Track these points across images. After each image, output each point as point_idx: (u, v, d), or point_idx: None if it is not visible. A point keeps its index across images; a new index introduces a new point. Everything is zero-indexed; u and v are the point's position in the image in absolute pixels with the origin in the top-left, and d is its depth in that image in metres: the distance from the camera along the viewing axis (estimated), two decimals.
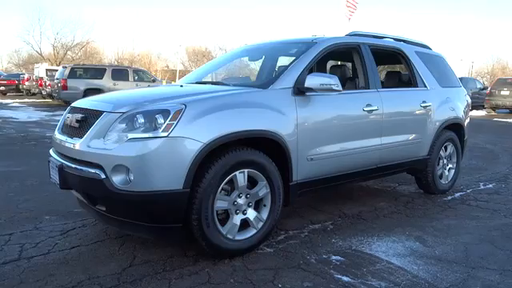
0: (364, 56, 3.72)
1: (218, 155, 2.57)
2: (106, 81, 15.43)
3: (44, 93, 18.87)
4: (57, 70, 18.06)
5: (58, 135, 3.04)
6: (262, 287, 2.36)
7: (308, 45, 3.39)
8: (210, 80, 3.83)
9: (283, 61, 3.56)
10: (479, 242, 3.17)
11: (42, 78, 19.39)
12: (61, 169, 2.72)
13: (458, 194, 4.62)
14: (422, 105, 4.12)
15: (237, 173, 2.67)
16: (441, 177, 4.56)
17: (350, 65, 4.52)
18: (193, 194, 2.48)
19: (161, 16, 74.84)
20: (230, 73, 4.19)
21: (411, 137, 4.05)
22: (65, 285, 2.35)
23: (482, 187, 5.00)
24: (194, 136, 2.46)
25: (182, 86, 3.35)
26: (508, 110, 17.76)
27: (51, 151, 3.15)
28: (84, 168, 2.54)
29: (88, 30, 63.29)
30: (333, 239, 3.12)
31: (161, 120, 2.44)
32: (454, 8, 74.55)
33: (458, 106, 4.67)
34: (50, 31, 50.98)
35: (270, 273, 2.54)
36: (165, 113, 2.46)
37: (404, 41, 4.46)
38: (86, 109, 2.81)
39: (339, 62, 4.77)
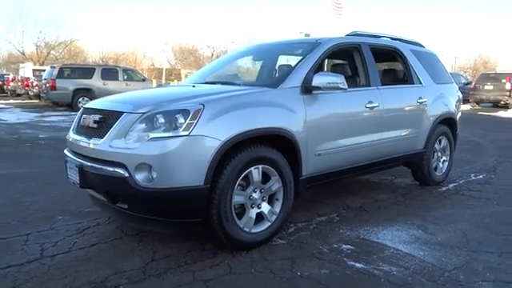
0: (364, 55, 3.88)
1: (235, 152, 2.69)
2: (96, 80, 15.32)
3: (31, 93, 18.63)
4: (44, 70, 17.85)
5: (73, 136, 3.12)
6: (282, 276, 2.50)
7: (313, 45, 3.54)
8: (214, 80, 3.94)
9: (290, 61, 3.70)
10: (476, 228, 3.37)
11: (28, 79, 19.13)
12: (81, 168, 2.81)
13: (451, 185, 4.84)
14: (419, 101, 4.32)
15: (252, 169, 2.80)
16: (435, 169, 4.77)
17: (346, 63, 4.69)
18: (213, 189, 2.61)
19: (146, 14, 74.33)
20: (234, 72, 4.30)
21: (409, 131, 4.24)
22: (93, 280, 2.45)
23: (473, 178, 5.23)
24: (213, 134, 2.59)
25: (194, 86, 3.46)
26: (491, 104, 18.27)
27: (66, 151, 3.24)
28: (106, 167, 2.64)
29: (72, 28, 62.60)
30: (341, 230, 3.29)
31: (181, 119, 2.55)
32: (438, 4, 75.82)
33: (450, 101, 4.89)
34: (32, 30, 50.23)
35: (288, 262, 2.68)
36: (185, 112, 2.58)
37: (399, 40, 4.64)
38: (104, 110, 2.90)
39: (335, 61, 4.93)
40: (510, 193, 4.48)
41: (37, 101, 18.69)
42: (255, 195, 2.87)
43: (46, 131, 9.66)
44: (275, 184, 2.96)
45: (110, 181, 2.64)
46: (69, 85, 14.88)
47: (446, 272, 2.55)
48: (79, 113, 3.31)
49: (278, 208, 3.01)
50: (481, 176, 5.34)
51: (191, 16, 76.77)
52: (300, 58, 3.43)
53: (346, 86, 3.19)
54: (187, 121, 2.55)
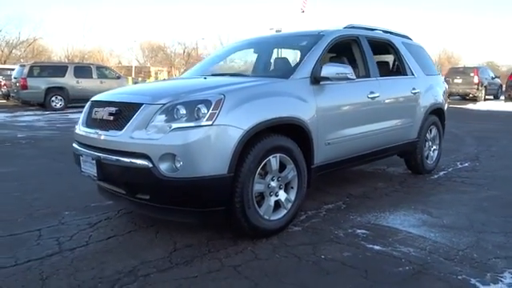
0: (363, 47, 4.01)
1: (255, 141, 2.74)
2: (69, 79, 14.90)
3: None
4: (10, 69, 17.19)
5: (84, 129, 3.09)
6: (307, 259, 2.58)
7: (316, 37, 3.63)
8: (221, 72, 3.96)
9: (293, 53, 3.77)
10: (476, 211, 3.55)
11: None
12: (98, 161, 2.79)
13: (442, 173, 5.05)
14: (412, 91, 4.49)
15: (270, 157, 2.86)
16: (427, 157, 4.97)
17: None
18: (236, 178, 2.64)
19: (113, 11, 72.56)
20: (238, 65, 4.33)
21: (404, 121, 4.41)
22: (121, 270, 2.45)
23: (460, 166, 5.48)
24: (236, 123, 2.63)
25: (205, 78, 3.48)
26: (460, 97, 19.03)
27: (76, 145, 3.19)
28: (127, 159, 2.63)
29: (35, 26, 60.13)
30: (351, 216, 3.39)
31: (204, 109, 2.58)
32: (401, 2, 77.93)
33: (439, 92, 5.10)
34: None
35: (309, 247, 2.76)
36: (206, 102, 2.60)
37: (390, 32, 4.80)
38: (120, 102, 2.88)
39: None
40: (497, 179, 4.72)
41: (4, 101, 17.98)
42: (273, 183, 2.93)
43: (23, 131, 9.35)
44: (290, 172, 3.03)
45: (132, 172, 2.64)
46: (41, 83, 14.41)
47: (459, 251, 2.69)
48: (87, 106, 3.26)
49: (292, 196, 3.08)
50: (466, 164, 5.60)
51: (159, 13, 75.67)
52: (305, 49, 3.51)
53: (354, 77, 3.30)
54: (210, 111, 2.57)
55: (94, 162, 2.81)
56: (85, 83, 15.16)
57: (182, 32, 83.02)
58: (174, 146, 2.51)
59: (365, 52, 4.00)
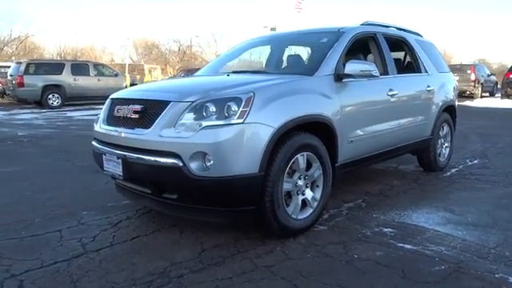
0: (381, 44, 3.98)
1: (284, 139, 2.70)
2: (66, 76, 14.71)
3: None
4: (7, 67, 16.94)
5: (106, 127, 3.02)
6: (340, 259, 2.55)
7: (337, 34, 3.59)
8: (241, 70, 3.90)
9: (310, 50, 3.73)
10: (497, 208, 3.55)
11: None
12: (124, 160, 2.73)
13: (454, 170, 5.05)
14: (427, 89, 4.48)
15: (298, 156, 2.82)
16: (439, 155, 4.97)
17: None
18: (266, 177, 2.60)
19: (105, 8, 71.90)
20: (251, 62, 4.28)
21: (420, 118, 4.39)
22: (153, 271, 2.40)
23: (470, 163, 5.49)
24: (266, 121, 2.58)
25: (228, 75, 3.43)
26: (457, 95, 19.08)
27: (96, 144, 3.13)
28: (156, 157, 2.57)
29: (27, 23, 59.25)
30: (373, 214, 3.37)
31: (234, 107, 2.53)
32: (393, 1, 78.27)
33: (450, 89, 5.10)
34: None
35: (339, 246, 2.73)
36: (237, 100, 2.55)
37: (403, 30, 4.78)
38: (146, 99, 2.82)
39: None
40: (509, 175, 4.72)
41: None
42: (300, 182, 2.89)
43: (23, 129, 9.22)
44: (316, 171, 3.00)
45: (161, 171, 2.58)
46: (37, 81, 14.21)
47: (491, 249, 2.68)
48: (107, 104, 3.20)
49: (318, 194, 3.04)
50: (476, 161, 5.61)
51: (152, 10, 75.15)
52: (326, 46, 3.47)
53: (378, 74, 3.27)
54: (240, 108, 2.52)
55: (120, 160, 2.75)
56: (82, 81, 15.00)
57: (176, 29, 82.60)
58: (205, 145, 2.46)
59: (382, 49, 3.97)
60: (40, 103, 14.54)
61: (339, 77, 3.25)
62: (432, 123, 4.63)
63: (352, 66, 3.22)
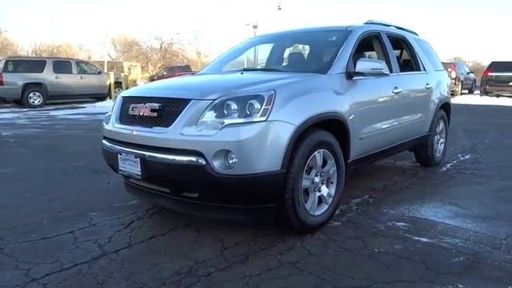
0: (385, 42, 4.05)
1: (304, 137, 2.72)
2: (48, 74, 14.32)
3: None
4: None
5: (120, 126, 2.98)
6: (361, 253, 2.59)
7: (345, 33, 3.63)
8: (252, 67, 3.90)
9: (322, 48, 3.77)
10: (497, 201, 3.67)
11: None
12: (143, 159, 2.70)
13: (449, 165, 5.19)
14: (426, 87, 4.59)
15: (316, 153, 2.85)
16: (435, 151, 5.10)
17: None
18: (287, 174, 2.62)
19: (82, 5, 70.28)
20: (265, 60, 4.27)
21: (420, 115, 4.50)
22: (178, 270, 2.38)
23: (462, 158, 5.65)
24: (288, 119, 2.60)
25: (242, 72, 3.42)
26: None
27: (107, 143, 3.08)
28: (177, 156, 2.56)
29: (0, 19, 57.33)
30: (383, 209, 3.43)
31: (257, 105, 2.53)
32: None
33: (445, 87, 5.24)
34: None
35: (357, 241, 2.77)
36: (259, 98, 2.56)
37: (402, 29, 4.87)
38: (164, 97, 2.78)
39: None
40: (502, 170, 4.89)
41: None
42: (317, 179, 2.93)
43: (7, 129, 8.97)
44: (331, 168, 3.04)
45: (183, 170, 2.57)
46: (18, 79, 13.81)
47: (502, 240, 2.78)
48: (119, 102, 3.15)
49: (333, 191, 3.08)
50: (467, 156, 5.77)
51: (132, 7, 73.81)
52: (336, 45, 3.51)
53: (388, 72, 3.33)
54: (263, 106, 2.53)
55: (138, 160, 2.72)
56: (64, 78, 14.66)
57: (157, 26, 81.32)
58: (229, 143, 2.46)
59: (386, 48, 4.04)
60: (20, 102, 14.14)
61: (350, 75, 3.29)
62: (430, 120, 4.74)
63: (363, 65, 3.27)
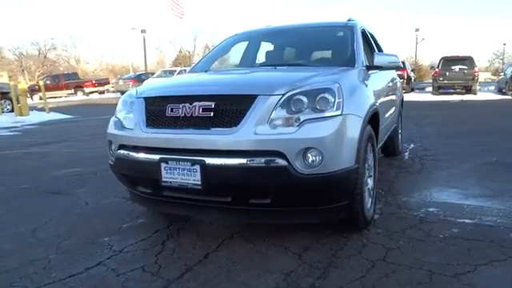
0: (370, 38, 4.20)
1: (364, 129, 2.66)
2: None
3: None
4: None
5: (155, 131, 2.56)
6: (431, 241, 2.62)
7: (350, 28, 3.67)
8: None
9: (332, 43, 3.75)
10: (483, 180, 4.03)
11: None
12: (203, 166, 2.34)
13: (406, 154, 5.60)
14: (397, 82, 4.90)
15: (368, 146, 2.81)
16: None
17: None
18: (358, 169, 2.53)
19: None
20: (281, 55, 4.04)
21: (395, 108, 4.77)
22: (275, 285, 2.12)
23: (410, 147, 6.14)
24: (356, 112, 2.53)
25: (276, 67, 3.19)
26: None
27: (135, 154, 2.62)
28: (250, 158, 2.28)
29: None
30: (402, 199, 3.52)
31: (330, 98, 2.40)
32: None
33: (399, 84, 5.65)
34: None
35: (415, 230, 2.80)
36: (330, 91, 2.42)
37: None
38: (215, 95, 2.45)
39: None
40: (454, 155, 5.39)
41: None
42: (367, 173, 2.89)
43: None
44: (372, 160, 3.03)
45: (257, 173, 2.29)
46: None
47: None
48: (140, 104, 2.70)
49: (372, 183, 3.08)
50: (412, 145, 6.29)
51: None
52: (346, 40, 3.53)
53: (402, 66, 3.44)
54: (336, 99, 2.40)
55: (197, 167, 2.35)
56: None
57: (32, 32, 72.31)
58: (313, 140, 2.27)
59: (372, 43, 4.20)
60: None
61: (368, 68, 3.33)
62: (397, 113, 5.07)
63: (381, 58, 3.34)
